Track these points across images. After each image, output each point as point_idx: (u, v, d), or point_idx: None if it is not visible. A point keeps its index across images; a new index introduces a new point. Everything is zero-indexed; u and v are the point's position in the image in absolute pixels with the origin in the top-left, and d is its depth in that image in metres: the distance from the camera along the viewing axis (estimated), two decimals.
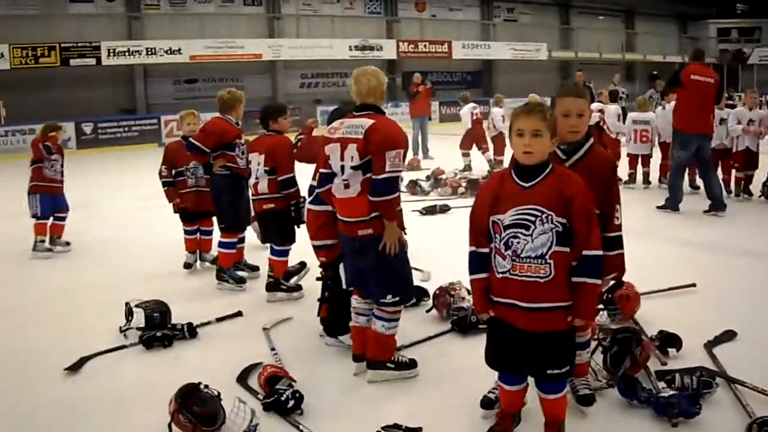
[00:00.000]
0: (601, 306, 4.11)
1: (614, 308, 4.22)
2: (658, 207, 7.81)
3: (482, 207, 2.63)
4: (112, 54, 19.54)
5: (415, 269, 4.27)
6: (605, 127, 9.84)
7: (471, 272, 2.68)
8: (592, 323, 3.19)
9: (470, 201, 7.61)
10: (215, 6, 22.74)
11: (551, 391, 2.69)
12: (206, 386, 3.08)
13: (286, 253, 5.11)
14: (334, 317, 4.06)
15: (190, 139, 5.35)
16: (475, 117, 11.56)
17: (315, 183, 3.91)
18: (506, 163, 2.89)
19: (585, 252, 2.49)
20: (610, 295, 4.21)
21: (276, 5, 23.65)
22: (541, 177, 2.51)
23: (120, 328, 4.39)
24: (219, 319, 4.63)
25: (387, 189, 3.35)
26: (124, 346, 4.21)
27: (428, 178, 10.02)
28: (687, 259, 5.92)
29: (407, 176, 9.45)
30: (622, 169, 8.49)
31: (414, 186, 9.66)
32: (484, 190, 2.72)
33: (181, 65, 21.81)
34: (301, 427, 3.10)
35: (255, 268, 5.75)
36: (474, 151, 11.64)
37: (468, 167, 11.45)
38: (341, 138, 3.47)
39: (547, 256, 2.45)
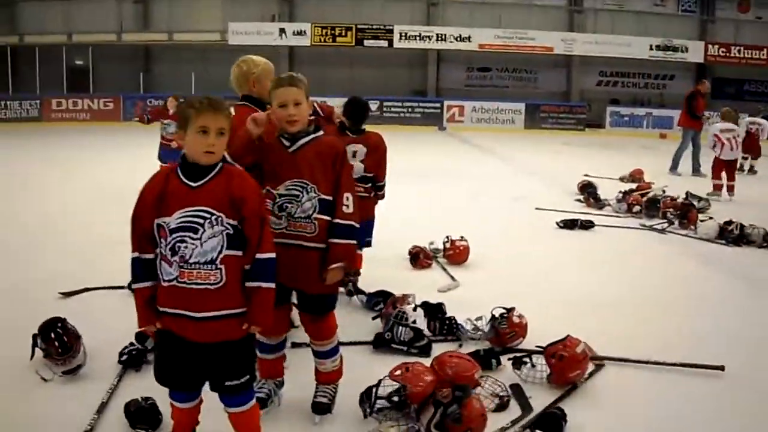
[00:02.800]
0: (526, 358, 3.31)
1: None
2: None
3: (145, 208, 2.32)
4: (403, 37, 20.76)
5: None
6: None
7: (133, 281, 2.39)
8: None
9: (629, 221, 6.75)
10: None
11: (235, 404, 2.46)
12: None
13: None
14: None
15: None
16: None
17: None
18: None
19: (258, 255, 2.32)
20: (542, 347, 3.31)
21: None
22: (211, 176, 2.31)
23: None
24: None
25: None
26: None
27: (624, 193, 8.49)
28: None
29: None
30: None
31: (589, 198, 8.50)
32: (147, 190, 2.35)
33: (474, 53, 22.24)
34: None
35: None
36: None
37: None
38: None
39: (217, 261, 2.27)
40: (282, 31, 21.02)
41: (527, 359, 3.37)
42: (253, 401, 2.53)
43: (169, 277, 2.28)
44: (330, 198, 2.75)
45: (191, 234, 2.24)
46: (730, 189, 9.64)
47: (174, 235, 2.25)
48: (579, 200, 8.68)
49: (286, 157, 2.74)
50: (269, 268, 2.36)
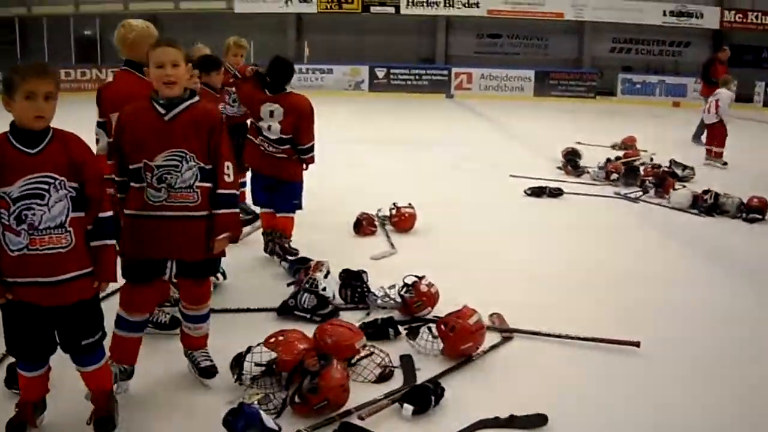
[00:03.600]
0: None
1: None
2: None
3: None
4: (411, 4, 20.36)
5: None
6: None
7: None
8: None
9: (605, 190, 6.55)
10: None
11: (89, 362, 2.50)
12: None
13: None
14: None
15: None
16: None
17: None
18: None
19: (100, 215, 2.40)
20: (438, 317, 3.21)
21: None
22: (47, 141, 2.31)
23: None
24: None
25: None
26: None
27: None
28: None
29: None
30: None
31: (566, 165, 8.27)
32: None
33: (484, 19, 21.78)
34: None
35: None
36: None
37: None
38: None
39: (66, 224, 2.31)
40: None
41: (428, 329, 3.24)
42: (106, 357, 2.57)
43: (17, 247, 2.25)
44: (209, 167, 2.70)
45: (38, 201, 2.25)
46: (708, 153, 9.37)
47: (18, 204, 2.23)
48: (559, 168, 8.44)
49: (162, 126, 2.65)
50: (110, 226, 2.45)
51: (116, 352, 2.78)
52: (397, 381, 2.97)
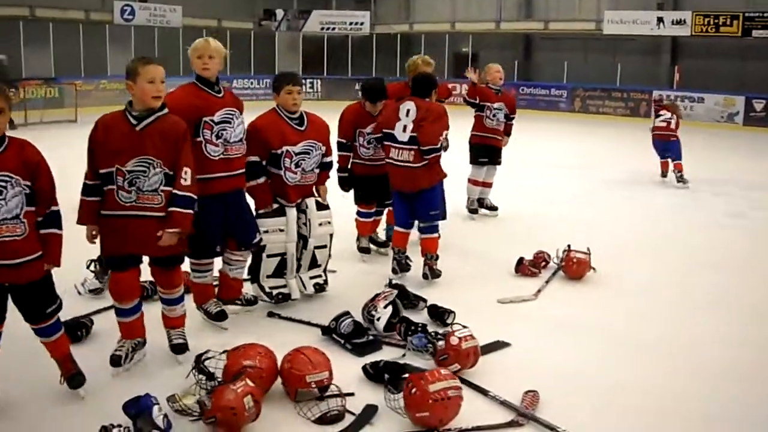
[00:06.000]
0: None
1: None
2: None
3: None
4: None
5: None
6: None
7: None
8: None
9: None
10: None
11: (49, 333, 2.90)
12: None
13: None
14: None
15: None
16: None
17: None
18: None
19: (52, 208, 2.80)
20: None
21: None
22: (4, 147, 2.68)
23: None
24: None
25: None
26: None
27: None
28: None
29: None
30: None
31: None
32: None
33: None
34: None
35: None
36: None
37: None
38: None
39: (21, 216, 2.69)
40: (660, 20, 19.17)
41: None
42: (61, 331, 2.97)
43: None
44: (172, 173, 3.03)
45: None
46: None
47: None
48: None
49: (133, 135, 2.98)
50: (60, 218, 2.84)
51: (126, 332, 3.22)
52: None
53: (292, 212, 3.98)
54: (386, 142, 4.55)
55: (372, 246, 5.24)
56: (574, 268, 4.75)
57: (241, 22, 23.12)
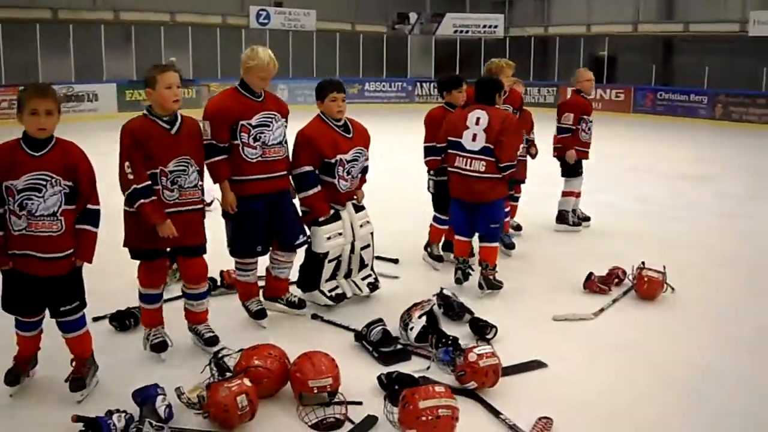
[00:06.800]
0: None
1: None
2: None
3: None
4: None
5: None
6: None
7: None
8: None
9: None
10: None
11: (69, 329, 3.01)
12: None
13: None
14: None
15: None
16: None
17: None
18: None
19: (90, 206, 2.93)
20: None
21: None
22: (48, 148, 2.82)
23: None
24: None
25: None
26: None
27: None
28: None
29: None
30: None
31: None
32: None
33: None
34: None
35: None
36: None
37: None
38: None
39: (58, 214, 2.83)
40: None
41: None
42: (85, 328, 3.07)
43: (18, 228, 2.81)
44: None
45: (36, 193, 2.78)
46: None
47: (21, 194, 2.77)
48: None
49: (171, 138, 3.22)
50: (97, 217, 2.97)
51: (150, 321, 3.42)
52: None
53: (345, 214, 4.08)
54: (451, 151, 4.43)
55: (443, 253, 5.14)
56: (645, 287, 4.41)
57: (375, 25, 23.50)
